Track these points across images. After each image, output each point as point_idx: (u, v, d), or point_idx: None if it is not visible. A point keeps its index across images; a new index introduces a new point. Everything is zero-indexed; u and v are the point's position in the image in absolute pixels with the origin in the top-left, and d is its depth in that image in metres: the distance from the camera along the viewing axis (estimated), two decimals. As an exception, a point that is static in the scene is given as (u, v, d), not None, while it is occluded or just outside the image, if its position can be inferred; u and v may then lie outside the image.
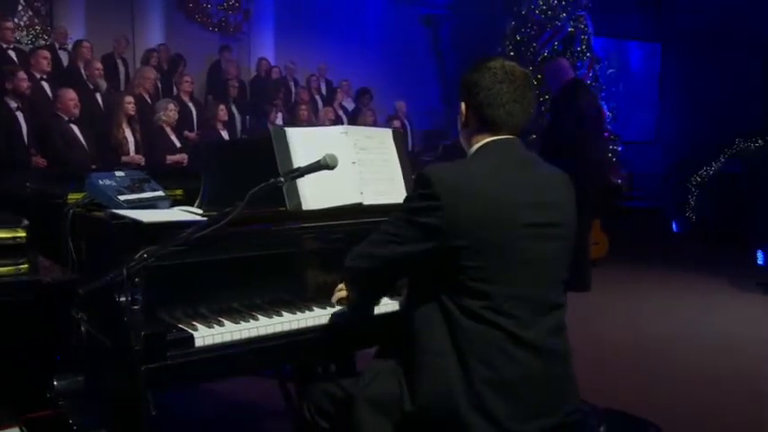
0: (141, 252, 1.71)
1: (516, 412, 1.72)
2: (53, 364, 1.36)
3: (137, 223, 1.86)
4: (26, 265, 1.57)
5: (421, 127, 11.63)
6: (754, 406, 3.79)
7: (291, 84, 10.39)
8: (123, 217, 1.90)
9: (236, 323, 1.95)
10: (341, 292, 2.11)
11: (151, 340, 1.72)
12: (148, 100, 7.41)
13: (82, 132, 6.11)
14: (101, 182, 2.05)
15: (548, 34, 10.52)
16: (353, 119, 9.66)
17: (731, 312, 5.81)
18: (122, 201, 2.02)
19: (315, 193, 2.35)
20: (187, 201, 2.39)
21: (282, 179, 2.17)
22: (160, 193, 2.18)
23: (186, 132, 7.52)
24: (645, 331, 5.05)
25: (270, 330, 1.97)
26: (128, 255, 1.79)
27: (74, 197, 2.17)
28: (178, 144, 6.80)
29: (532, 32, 10.57)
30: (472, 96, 1.88)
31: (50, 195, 2.28)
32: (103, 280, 1.61)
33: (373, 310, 2.19)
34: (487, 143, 1.88)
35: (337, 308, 2.13)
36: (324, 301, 2.16)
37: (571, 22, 10.54)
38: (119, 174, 2.14)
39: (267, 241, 2.17)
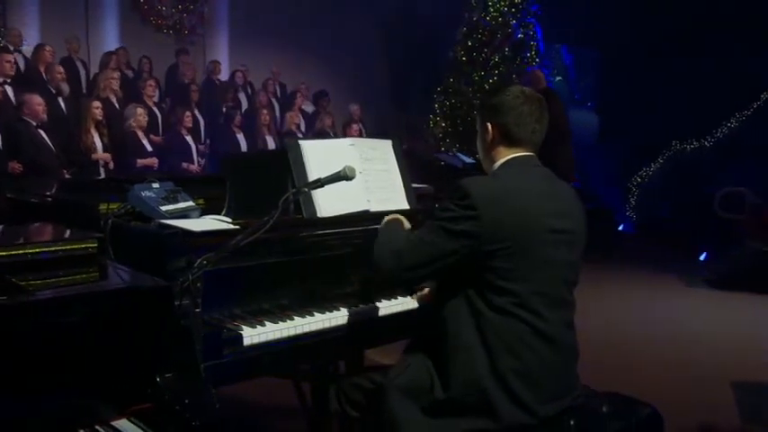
0: (201, 259, 1.86)
1: (538, 396, 1.95)
2: (155, 362, 1.51)
3: (187, 232, 2.01)
4: (96, 273, 1.70)
5: (373, 130, 11.80)
6: (709, 389, 4.15)
7: (248, 87, 10.44)
8: (173, 227, 2.04)
9: (275, 323, 2.12)
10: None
11: (209, 340, 1.89)
12: (116, 104, 7.41)
13: (49, 137, 6.10)
14: (143, 193, 2.18)
15: (498, 41, 10.85)
16: (313, 123, 9.79)
17: (684, 306, 6.24)
18: (164, 211, 2.16)
19: (328, 202, 2.52)
20: (209, 209, 2.53)
21: (306, 189, 2.36)
22: (191, 203, 2.32)
23: (152, 136, 7.55)
24: (606, 325, 5.35)
25: (306, 329, 2.15)
26: (177, 262, 1.96)
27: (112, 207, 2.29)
28: (149, 148, 6.85)
29: (483, 39, 10.88)
30: (500, 116, 2.10)
31: (81, 205, 2.38)
32: (175, 284, 1.76)
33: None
34: (510, 159, 2.11)
35: (361, 307, 2.34)
36: (348, 301, 2.36)
37: (521, 29, 10.91)
38: (155, 185, 2.27)
39: (294, 247, 2.33)
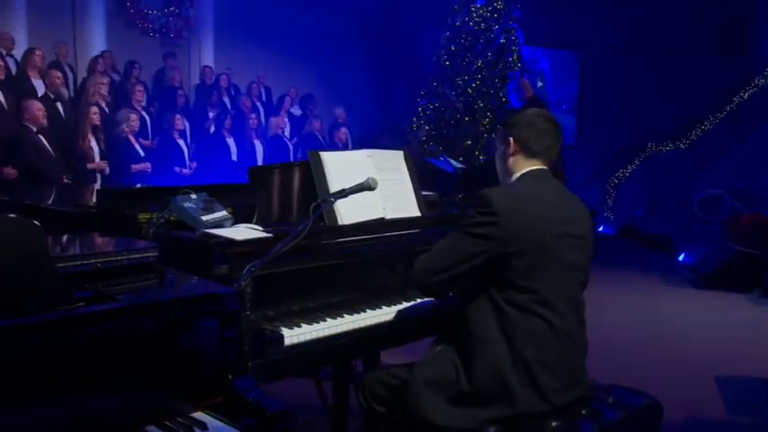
0: (249, 266, 2.03)
1: (555, 384, 2.14)
2: (228, 361, 1.67)
3: (231, 241, 2.17)
4: (156, 280, 1.85)
5: (357, 133, 11.95)
6: (695, 383, 4.39)
7: (231, 91, 10.53)
8: (218, 236, 2.20)
9: (310, 324, 2.28)
10: None
11: (255, 340, 2.04)
12: (106, 109, 7.48)
13: (48, 143, 6.17)
14: (185, 204, 2.33)
15: (481, 45, 11.06)
16: (301, 126, 9.93)
17: (667, 306, 6.51)
18: (205, 221, 2.31)
19: (347, 210, 2.68)
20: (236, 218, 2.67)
21: (333, 198, 2.52)
22: (225, 212, 2.47)
23: (142, 140, 7.64)
24: (594, 324, 5.57)
25: (338, 330, 2.32)
26: (220, 268, 2.12)
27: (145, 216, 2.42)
28: (142, 153, 6.95)
29: (466, 43, 11.07)
30: (522, 131, 2.33)
31: (122, 214, 2.51)
32: (231, 288, 1.91)
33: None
34: (527, 172, 2.32)
35: (384, 309, 2.51)
36: (373, 304, 2.53)
37: (503, 34, 11.12)
38: (192, 196, 2.42)
39: (321, 252, 2.49)
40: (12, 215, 1.54)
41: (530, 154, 2.32)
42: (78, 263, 1.71)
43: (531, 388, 2.12)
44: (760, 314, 6.19)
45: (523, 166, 2.33)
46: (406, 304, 2.63)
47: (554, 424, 2.14)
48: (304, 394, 3.25)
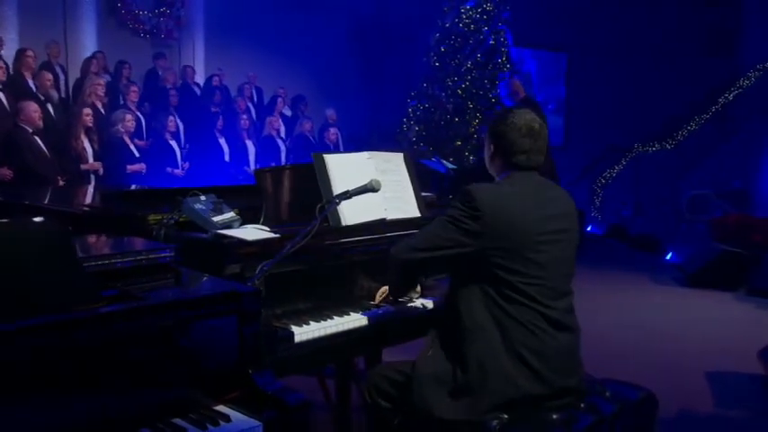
0: (261, 265, 2.10)
1: (550, 367, 2.22)
2: (248, 357, 1.74)
3: (242, 242, 2.24)
4: (172, 280, 1.91)
5: (348, 134, 12.00)
6: (685, 379, 4.48)
7: (223, 91, 10.53)
8: (230, 236, 2.27)
9: (318, 322, 2.35)
10: (383, 295, 2.60)
11: (267, 337, 2.11)
12: (102, 110, 7.50)
13: (44, 144, 6.20)
14: (196, 206, 2.40)
15: (470, 46, 11.15)
16: (293, 127, 9.98)
17: (656, 304, 6.62)
18: (216, 222, 2.37)
19: (350, 211, 2.76)
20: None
21: (338, 200, 2.59)
22: (233, 213, 2.53)
23: (137, 141, 7.66)
24: (584, 322, 5.67)
25: (345, 327, 2.40)
26: (232, 268, 2.19)
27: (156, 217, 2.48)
28: (137, 154, 6.98)
29: (456, 45, 11.16)
30: (500, 140, 2.40)
31: (133, 216, 2.57)
32: (250, 286, 1.98)
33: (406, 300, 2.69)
34: (512, 173, 2.41)
35: (388, 307, 2.59)
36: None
37: (492, 35, 11.22)
38: (202, 197, 2.48)
39: (327, 252, 2.57)
40: (41, 218, 1.60)
41: (509, 161, 2.40)
42: (100, 263, 1.77)
43: (527, 370, 2.20)
44: (746, 312, 6.32)
45: (507, 167, 2.42)
46: (409, 304, 2.71)
47: (554, 417, 2.22)
48: (307, 391, 3.32)
